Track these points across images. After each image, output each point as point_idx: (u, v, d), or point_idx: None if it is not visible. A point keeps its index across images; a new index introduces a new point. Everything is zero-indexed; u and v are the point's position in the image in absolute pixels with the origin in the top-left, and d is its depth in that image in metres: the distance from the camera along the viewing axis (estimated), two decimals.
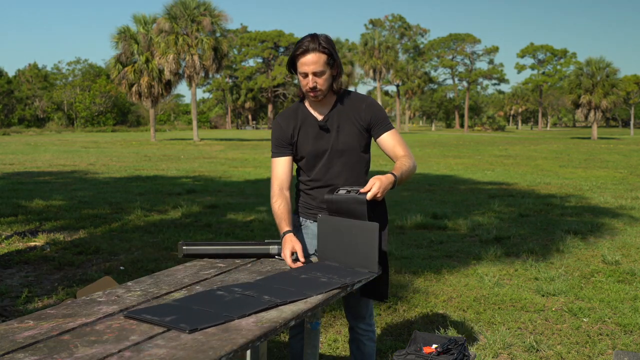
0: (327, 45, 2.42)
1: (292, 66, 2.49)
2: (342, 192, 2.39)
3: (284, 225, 2.49)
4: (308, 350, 2.70)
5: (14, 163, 18.86)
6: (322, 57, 2.42)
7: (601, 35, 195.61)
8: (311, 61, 2.41)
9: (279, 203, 2.53)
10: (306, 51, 2.41)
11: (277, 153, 2.61)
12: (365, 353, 2.80)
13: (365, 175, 2.67)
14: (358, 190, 2.34)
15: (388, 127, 2.59)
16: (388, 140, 2.58)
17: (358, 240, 2.32)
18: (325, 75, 2.45)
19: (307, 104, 2.61)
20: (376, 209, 2.37)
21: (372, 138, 2.63)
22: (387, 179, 2.35)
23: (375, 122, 2.57)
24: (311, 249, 2.66)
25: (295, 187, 2.76)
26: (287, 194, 2.57)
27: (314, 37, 2.44)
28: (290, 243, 2.40)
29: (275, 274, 2.29)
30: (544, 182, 13.40)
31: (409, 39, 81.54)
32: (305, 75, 2.44)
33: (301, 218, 2.70)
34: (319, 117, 2.57)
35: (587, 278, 5.14)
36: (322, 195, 2.58)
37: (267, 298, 1.94)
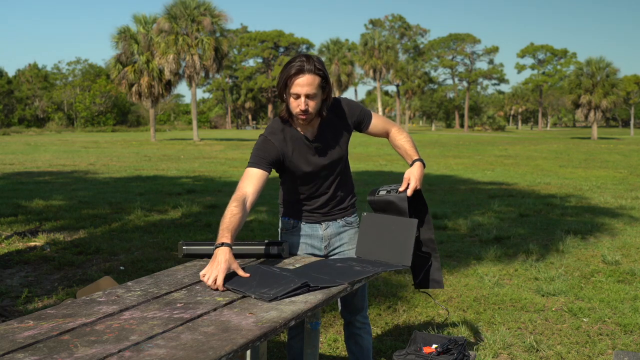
0: (321, 68, 2.33)
1: (283, 87, 2.37)
2: (382, 192, 2.53)
3: (226, 237, 2.17)
4: (308, 350, 2.71)
5: (14, 163, 18.86)
6: (317, 80, 2.32)
7: (601, 35, 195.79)
8: (305, 82, 2.31)
9: (236, 211, 2.25)
10: (301, 72, 2.30)
11: (256, 164, 2.42)
12: (363, 347, 2.81)
13: (349, 170, 2.74)
14: (397, 190, 2.49)
15: (369, 115, 2.65)
16: (377, 125, 2.66)
17: (397, 235, 2.45)
18: (317, 99, 2.37)
19: (293, 124, 2.49)
20: (419, 199, 2.52)
21: (358, 131, 2.67)
22: (418, 169, 2.51)
23: (361, 117, 2.62)
24: (305, 249, 2.67)
25: (284, 195, 2.72)
26: (247, 207, 2.32)
27: (308, 58, 2.34)
28: (227, 263, 2.09)
29: (313, 262, 2.47)
30: (544, 182, 13.40)
31: (409, 39, 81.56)
32: (298, 96, 2.34)
33: (294, 220, 2.68)
34: (309, 136, 2.51)
35: (587, 278, 5.14)
36: (318, 202, 2.62)
37: (358, 268, 2.32)
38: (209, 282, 2.07)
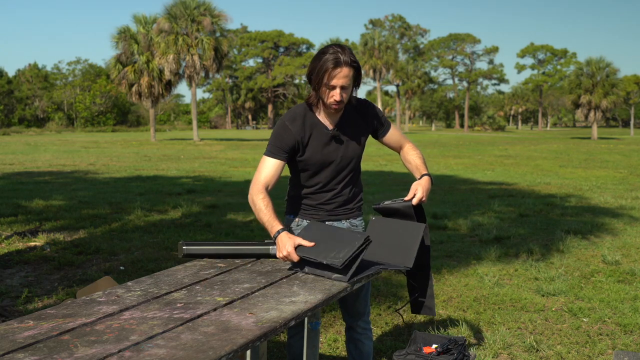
0: (355, 60, 2.40)
1: (317, 76, 2.40)
2: (387, 202, 2.54)
3: (277, 223, 2.38)
4: (308, 350, 2.71)
5: (14, 163, 18.86)
6: (351, 72, 2.39)
7: (601, 35, 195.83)
8: (342, 75, 2.36)
9: (267, 201, 2.43)
10: (339, 64, 2.35)
11: (274, 154, 2.50)
12: (364, 352, 2.80)
13: (360, 172, 2.74)
14: (402, 200, 2.50)
15: (389, 125, 2.69)
16: (393, 136, 2.70)
17: (403, 238, 2.45)
18: (350, 89, 2.44)
19: (316, 111, 2.54)
20: (419, 214, 2.54)
21: (374, 137, 2.70)
22: (426, 182, 2.55)
23: (380, 124, 2.66)
24: None
25: (291, 190, 2.72)
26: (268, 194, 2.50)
27: (343, 49, 2.38)
28: (291, 240, 2.29)
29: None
30: (544, 182, 13.41)
31: (409, 39, 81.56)
32: (333, 87, 2.39)
33: (298, 218, 2.67)
34: (329, 126, 2.54)
35: (587, 278, 5.14)
36: (323, 198, 2.62)
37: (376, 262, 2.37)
38: (283, 257, 2.31)
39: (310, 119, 2.53)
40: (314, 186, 2.62)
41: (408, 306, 4.31)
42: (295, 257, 2.26)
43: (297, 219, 2.68)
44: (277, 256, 2.34)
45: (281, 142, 2.50)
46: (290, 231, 2.56)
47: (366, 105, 2.62)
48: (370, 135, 2.67)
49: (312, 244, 2.26)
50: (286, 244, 2.29)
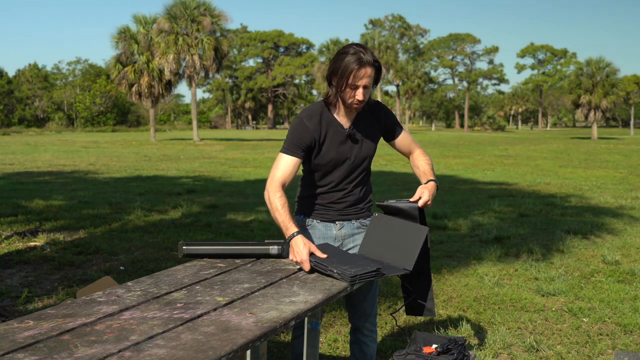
0: (376, 59, 2.42)
1: (341, 76, 2.41)
2: (392, 201, 2.53)
3: (292, 226, 2.38)
4: (308, 350, 2.71)
5: (14, 163, 18.86)
6: (373, 71, 2.41)
7: (601, 35, 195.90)
8: (366, 75, 2.39)
9: (283, 200, 2.42)
10: (363, 64, 2.37)
11: (291, 151, 2.49)
12: (367, 354, 2.79)
13: (370, 174, 2.75)
14: (408, 200, 2.50)
15: (400, 128, 2.71)
16: (403, 140, 2.71)
17: (405, 240, 2.44)
18: (370, 88, 2.46)
19: (333, 110, 2.55)
20: (421, 214, 2.52)
21: (385, 139, 2.70)
22: (433, 187, 2.56)
23: (392, 126, 2.67)
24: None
25: (302, 190, 2.71)
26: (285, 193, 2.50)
27: (365, 48, 2.41)
28: (306, 246, 2.32)
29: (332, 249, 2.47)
30: (544, 182, 13.41)
31: (409, 39, 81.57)
32: (356, 87, 2.41)
33: (308, 218, 2.67)
34: (344, 125, 2.55)
35: (587, 278, 5.14)
36: (334, 197, 2.62)
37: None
38: (295, 262, 2.32)
39: (327, 117, 2.54)
40: (326, 185, 2.62)
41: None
42: (307, 267, 2.28)
43: (307, 219, 2.67)
44: (290, 258, 2.36)
45: (298, 139, 2.50)
46: (306, 234, 2.56)
47: (380, 107, 2.63)
48: (382, 138, 2.68)
49: (325, 255, 2.30)
50: (302, 250, 2.31)
